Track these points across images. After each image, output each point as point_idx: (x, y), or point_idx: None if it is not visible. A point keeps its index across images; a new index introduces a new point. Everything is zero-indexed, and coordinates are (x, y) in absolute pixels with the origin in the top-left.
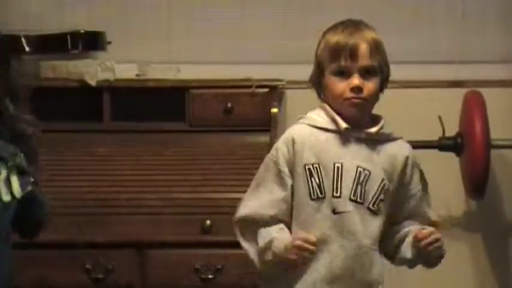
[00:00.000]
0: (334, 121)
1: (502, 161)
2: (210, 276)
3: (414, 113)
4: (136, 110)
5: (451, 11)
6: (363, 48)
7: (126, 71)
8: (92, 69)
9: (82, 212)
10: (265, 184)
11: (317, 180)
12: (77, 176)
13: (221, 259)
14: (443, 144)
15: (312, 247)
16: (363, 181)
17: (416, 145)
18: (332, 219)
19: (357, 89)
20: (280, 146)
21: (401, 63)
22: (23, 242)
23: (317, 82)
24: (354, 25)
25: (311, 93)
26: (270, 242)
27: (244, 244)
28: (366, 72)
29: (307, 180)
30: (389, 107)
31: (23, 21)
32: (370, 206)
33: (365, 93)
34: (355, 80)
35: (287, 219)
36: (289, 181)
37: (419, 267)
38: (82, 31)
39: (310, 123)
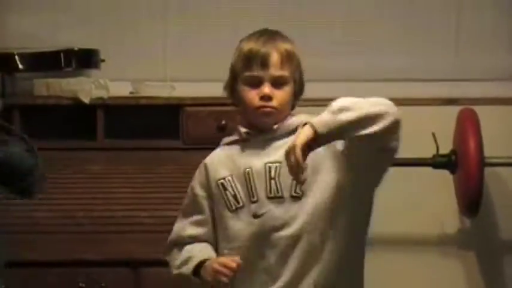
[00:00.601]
0: (241, 134)
1: (496, 178)
2: None
3: (408, 130)
4: (130, 127)
5: (445, 29)
6: (275, 57)
7: (120, 89)
8: (86, 87)
9: (75, 230)
10: (186, 211)
11: (232, 192)
12: (70, 194)
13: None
14: (437, 162)
15: (228, 272)
16: (275, 175)
17: (410, 162)
18: (255, 225)
19: (267, 98)
20: (196, 174)
21: (395, 80)
22: (15, 261)
23: (231, 90)
24: (268, 35)
25: (300, 111)
26: (188, 258)
27: (168, 259)
28: (277, 82)
29: (222, 194)
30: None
31: (18, 39)
32: (293, 193)
33: (275, 102)
34: (265, 89)
35: (211, 240)
36: (205, 203)
37: (406, 280)
38: (76, 49)
39: (222, 143)
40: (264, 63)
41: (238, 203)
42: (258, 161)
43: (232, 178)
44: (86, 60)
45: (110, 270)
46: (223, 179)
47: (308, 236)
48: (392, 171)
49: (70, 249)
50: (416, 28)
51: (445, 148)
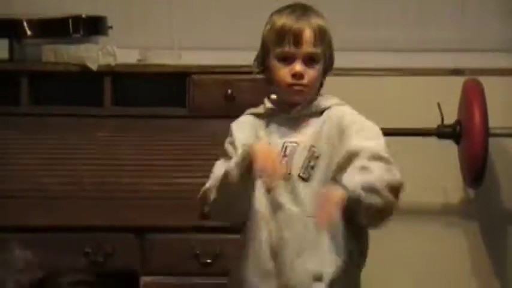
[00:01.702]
0: (272, 105)
1: (501, 149)
2: (208, 261)
3: (413, 100)
4: (137, 95)
5: (451, 0)
6: (308, 34)
7: (127, 56)
8: (93, 54)
9: (82, 196)
10: (224, 154)
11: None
12: (77, 159)
13: (219, 245)
14: (442, 132)
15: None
16: (289, 154)
17: (415, 133)
18: (266, 197)
19: (299, 75)
20: (231, 136)
21: (401, 51)
22: (22, 226)
23: (262, 63)
24: (301, 9)
25: None
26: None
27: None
28: (309, 59)
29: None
30: (389, 94)
31: (25, 5)
32: (301, 174)
33: (306, 80)
34: (297, 67)
35: None
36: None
37: (411, 250)
38: (83, 16)
39: (248, 112)
40: (297, 40)
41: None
42: (278, 139)
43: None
44: (93, 27)
45: (116, 236)
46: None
47: (306, 213)
48: (397, 141)
49: (76, 214)
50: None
51: (450, 118)
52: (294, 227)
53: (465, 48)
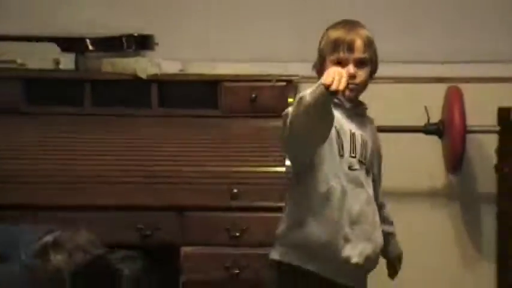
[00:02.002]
0: (339, 99)
1: (476, 143)
2: (237, 234)
3: (405, 103)
4: (178, 98)
5: (434, 18)
6: (358, 43)
7: (170, 67)
8: (143, 65)
9: (134, 181)
10: None
11: (339, 142)
12: (130, 151)
13: (246, 221)
14: (428, 129)
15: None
16: (364, 146)
17: (406, 129)
18: (352, 177)
19: (352, 76)
20: None
21: (396, 62)
22: (82, 205)
23: (319, 69)
24: (351, 24)
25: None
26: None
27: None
28: (359, 63)
29: (336, 139)
30: (386, 98)
31: (88, 25)
32: (367, 166)
33: (357, 80)
34: (351, 69)
35: None
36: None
37: (402, 226)
38: (135, 34)
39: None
40: (350, 47)
41: (342, 150)
42: (356, 129)
43: (342, 131)
44: (143, 43)
45: (162, 214)
46: (337, 129)
47: (372, 199)
48: (392, 136)
49: (130, 197)
50: (412, 19)
51: (435, 118)
52: (371, 206)
53: (447, 61)
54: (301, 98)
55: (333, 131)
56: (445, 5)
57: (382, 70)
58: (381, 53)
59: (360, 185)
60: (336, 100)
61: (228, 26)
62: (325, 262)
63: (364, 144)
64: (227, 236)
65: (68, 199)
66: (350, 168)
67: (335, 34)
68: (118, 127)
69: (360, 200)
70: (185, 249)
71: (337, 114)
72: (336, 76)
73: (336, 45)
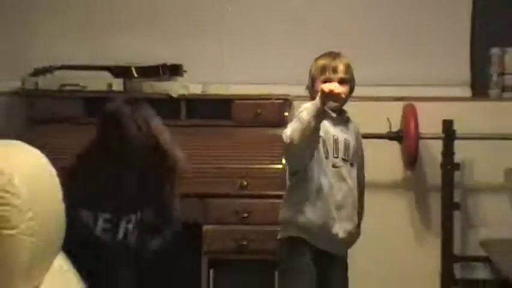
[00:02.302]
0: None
1: (426, 146)
2: (245, 215)
3: (374, 116)
4: (200, 112)
5: (394, 52)
6: (341, 67)
7: (195, 88)
8: (174, 88)
9: None
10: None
11: (325, 147)
12: None
13: (251, 206)
14: (390, 136)
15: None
16: (347, 147)
17: (374, 136)
18: (336, 173)
19: (337, 94)
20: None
21: (366, 86)
22: None
23: (311, 89)
24: (335, 54)
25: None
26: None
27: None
28: (342, 81)
29: (321, 147)
30: (360, 112)
31: (133, 56)
32: (351, 161)
33: (341, 93)
34: (336, 85)
35: None
36: None
37: (371, 210)
38: (168, 64)
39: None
40: (335, 70)
41: (328, 154)
42: (340, 134)
43: (326, 138)
44: (174, 71)
45: (188, 200)
46: (322, 137)
47: (353, 191)
48: (365, 141)
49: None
50: (376, 49)
51: (395, 128)
52: (352, 194)
53: (404, 84)
54: (299, 117)
55: (326, 141)
56: (402, 41)
57: (357, 91)
58: (356, 78)
59: (342, 179)
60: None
61: (238, 57)
62: (320, 238)
63: (346, 145)
64: (237, 217)
65: None
66: (334, 166)
67: (323, 61)
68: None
69: (342, 190)
70: (206, 227)
71: (325, 122)
72: (331, 86)
73: (323, 69)
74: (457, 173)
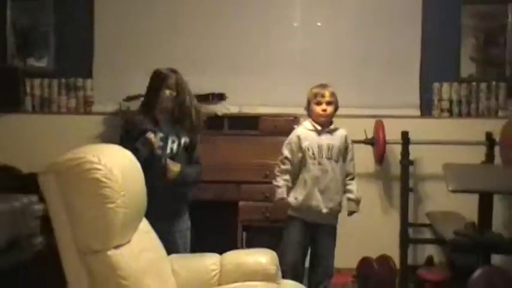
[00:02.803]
0: (314, 126)
1: (390, 149)
2: (267, 195)
3: (355, 128)
4: (238, 126)
5: (368, 84)
6: (327, 93)
7: (233, 109)
8: (220, 109)
9: (218, 168)
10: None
11: (310, 152)
12: (215, 153)
13: (271, 189)
14: (366, 141)
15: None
16: (331, 149)
17: (355, 141)
18: (320, 170)
19: (324, 110)
20: (293, 137)
21: (350, 107)
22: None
23: (307, 108)
24: (323, 85)
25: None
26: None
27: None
28: (328, 103)
29: (307, 152)
30: (346, 125)
31: (190, 86)
32: (334, 159)
33: (327, 112)
34: (324, 106)
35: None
36: (295, 152)
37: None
38: (216, 92)
39: (304, 127)
40: (323, 95)
41: (313, 157)
42: (323, 141)
43: (311, 146)
44: (220, 97)
45: (229, 185)
46: (307, 146)
47: (335, 182)
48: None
49: (215, 176)
50: (357, 83)
51: (370, 136)
52: (333, 182)
53: (375, 107)
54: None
55: (305, 149)
56: (375, 78)
57: (343, 111)
58: (343, 102)
59: (326, 172)
60: (312, 127)
61: (263, 88)
62: (308, 214)
63: (330, 148)
64: (262, 196)
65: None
66: (319, 163)
67: (315, 90)
68: (205, 142)
69: (325, 180)
70: (241, 203)
71: (312, 134)
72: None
73: (315, 95)
74: (411, 167)
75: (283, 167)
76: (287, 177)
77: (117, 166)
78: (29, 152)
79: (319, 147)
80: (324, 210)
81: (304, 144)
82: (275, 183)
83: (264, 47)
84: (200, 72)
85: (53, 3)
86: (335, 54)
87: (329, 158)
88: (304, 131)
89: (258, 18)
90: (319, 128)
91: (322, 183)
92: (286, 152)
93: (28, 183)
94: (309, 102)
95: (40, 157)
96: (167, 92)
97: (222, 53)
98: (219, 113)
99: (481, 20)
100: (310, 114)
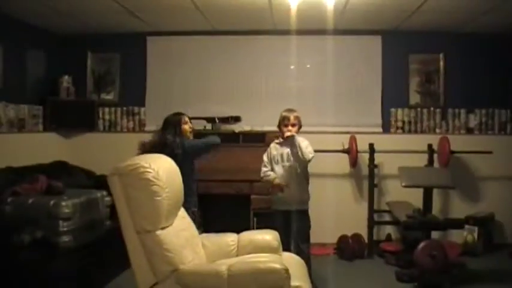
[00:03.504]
0: (280, 140)
1: (361, 156)
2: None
3: (335, 141)
4: (248, 140)
5: (344, 109)
6: (292, 117)
7: (246, 128)
8: (236, 128)
9: (235, 171)
10: (264, 161)
11: (277, 159)
12: (232, 161)
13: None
14: (343, 151)
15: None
16: (289, 156)
17: (336, 151)
18: (283, 169)
19: (289, 131)
20: (268, 150)
21: (330, 126)
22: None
23: (279, 127)
24: (290, 109)
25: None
26: (268, 175)
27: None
28: (292, 125)
29: (274, 159)
30: (329, 140)
31: (213, 112)
32: (292, 162)
33: (293, 131)
34: (289, 128)
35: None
36: (270, 158)
37: (327, 191)
38: (233, 115)
39: (275, 142)
40: (288, 119)
41: (276, 161)
42: (284, 150)
43: (276, 155)
44: (236, 119)
45: (243, 183)
46: (274, 155)
47: (295, 176)
48: (330, 154)
49: (232, 176)
50: (334, 108)
51: (346, 146)
52: (294, 178)
53: (350, 125)
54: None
55: (273, 157)
56: (349, 105)
57: (325, 129)
58: (326, 122)
59: (288, 171)
60: (277, 141)
61: (268, 112)
62: (282, 204)
63: (288, 154)
64: (268, 192)
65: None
66: (283, 166)
67: (284, 113)
68: (226, 151)
69: (288, 177)
70: (252, 196)
71: (276, 146)
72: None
73: (284, 118)
74: (376, 169)
75: (263, 167)
76: (268, 168)
77: (162, 170)
78: (100, 160)
79: (281, 155)
80: (291, 200)
81: (272, 153)
82: (262, 175)
83: (269, 83)
84: (222, 102)
85: (119, 57)
86: (320, 88)
87: (289, 161)
88: (273, 144)
89: (265, 63)
90: (281, 141)
91: (286, 180)
92: (265, 158)
93: (100, 182)
94: (279, 123)
95: (108, 163)
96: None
97: (239, 88)
98: (236, 131)
99: (422, 65)
100: (280, 131)
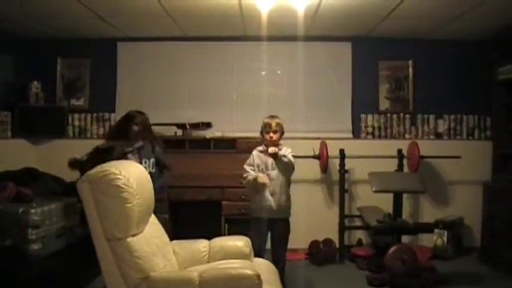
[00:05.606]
0: (263, 149)
1: (332, 162)
2: (243, 197)
3: (307, 147)
4: (220, 146)
5: (316, 116)
6: (274, 124)
7: (217, 134)
8: (207, 134)
9: (206, 177)
10: (249, 164)
11: (260, 168)
12: (203, 166)
13: (246, 192)
14: (314, 156)
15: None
16: (273, 165)
17: (307, 157)
18: (269, 178)
19: (271, 137)
20: (251, 157)
21: (303, 132)
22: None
23: (261, 134)
24: (272, 116)
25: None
26: (250, 174)
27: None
28: (274, 132)
29: (257, 168)
30: (300, 146)
31: (186, 117)
32: (277, 170)
33: (274, 138)
34: (271, 134)
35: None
36: (254, 166)
37: (301, 195)
38: (204, 121)
39: (258, 149)
40: (270, 126)
41: (262, 170)
42: (269, 159)
43: (260, 164)
44: (207, 125)
45: (215, 189)
46: (258, 164)
47: (280, 184)
48: (303, 160)
49: (203, 182)
50: (306, 115)
51: (317, 152)
52: (279, 187)
53: (321, 131)
54: (245, 177)
55: (257, 166)
56: (321, 112)
57: (297, 135)
58: (297, 128)
59: (274, 179)
60: (262, 149)
61: (239, 118)
62: (263, 211)
63: (273, 163)
64: (239, 198)
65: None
66: (268, 174)
67: (266, 120)
68: (197, 158)
69: (273, 185)
70: (224, 202)
71: (261, 155)
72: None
73: (266, 125)
74: (346, 175)
75: (247, 168)
76: (251, 168)
77: (133, 176)
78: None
79: (266, 163)
80: (275, 208)
81: (256, 162)
82: (245, 174)
83: (241, 89)
84: (193, 108)
85: (90, 63)
86: (291, 95)
87: (274, 169)
88: (256, 153)
89: (236, 69)
90: (266, 152)
91: (271, 188)
92: (247, 168)
93: (70, 189)
94: (262, 129)
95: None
96: (135, 127)
97: (210, 94)
98: (207, 137)
99: (391, 71)
100: (262, 138)
